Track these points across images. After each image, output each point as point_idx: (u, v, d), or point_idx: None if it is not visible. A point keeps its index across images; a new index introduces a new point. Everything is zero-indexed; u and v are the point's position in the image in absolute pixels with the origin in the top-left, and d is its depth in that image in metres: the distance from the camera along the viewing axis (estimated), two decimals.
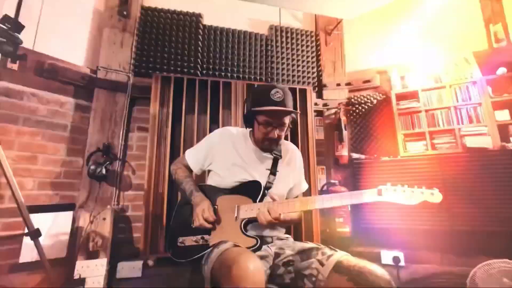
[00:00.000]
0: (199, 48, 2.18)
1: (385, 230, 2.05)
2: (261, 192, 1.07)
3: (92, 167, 1.69)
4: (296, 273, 0.96)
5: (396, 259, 1.96)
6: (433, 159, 1.98)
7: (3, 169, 1.06)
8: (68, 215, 1.68)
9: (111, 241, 1.66)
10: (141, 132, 2.00)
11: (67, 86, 1.77)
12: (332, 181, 2.22)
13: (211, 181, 1.21)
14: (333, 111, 2.39)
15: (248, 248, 0.94)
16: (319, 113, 2.43)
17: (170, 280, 1.73)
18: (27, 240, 1.48)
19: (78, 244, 1.56)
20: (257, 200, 1.05)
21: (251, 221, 1.04)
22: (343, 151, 2.25)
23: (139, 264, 1.70)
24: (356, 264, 0.87)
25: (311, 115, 2.21)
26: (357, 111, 2.37)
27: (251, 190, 1.09)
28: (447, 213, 1.89)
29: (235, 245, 0.89)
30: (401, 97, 2.20)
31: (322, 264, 0.92)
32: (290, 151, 1.24)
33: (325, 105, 2.41)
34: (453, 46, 2.20)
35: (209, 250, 0.99)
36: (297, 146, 2.10)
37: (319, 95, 2.45)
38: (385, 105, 2.27)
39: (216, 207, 1.10)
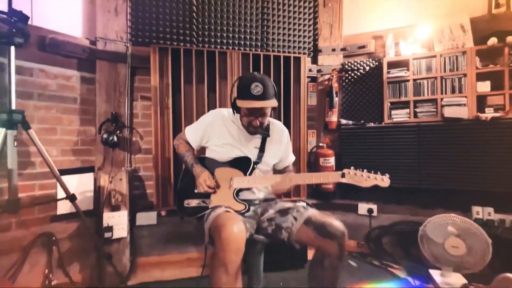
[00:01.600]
0: (194, 14, 2.16)
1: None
2: (251, 167, 1.30)
3: (105, 136, 1.91)
4: (276, 226, 1.26)
5: (370, 210, 2.33)
6: (413, 126, 2.16)
7: (39, 151, 1.29)
8: (90, 176, 1.97)
9: (128, 197, 1.98)
10: (144, 101, 2.15)
11: (70, 60, 1.86)
12: (321, 144, 2.45)
13: (209, 154, 1.44)
14: (326, 77, 2.47)
15: (238, 211, 1.21)
16: (313, 79, 2.52)
17: (180, 226, 2.12)
18: (61, 197, 1.81)
19: (103, 200, 1.88)
20: (247, 174, 1.29)
21: (242, 189, 1.30)
22: (333, 117, 2.42)
23: (154, 214, 2.06)
24: (321, 219, 1.16)
25: (304, 82, 2.31)
26: (349, 77, 2.45)
27: (242, 164, 1.33)
28: (417, 174, 2.16)
29: (227, 211, 1.16)
30: (392, 65, 2.26)
31: (296, 219, 1.22)
32: (277, 130, 1.42)
33: (319, 71, 2.47)
34: (452, 10, 2.16)
35: (208, 211, 1.27)
36: (290, 112, 2.29)
37: (314, 61, 2.50)
38: (376, 72, 2.34)
39: (215, 176, 1.36)
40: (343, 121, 2.42)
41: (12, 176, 1.17)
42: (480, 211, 1.99)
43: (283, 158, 1.46)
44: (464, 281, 1.69)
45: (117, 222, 1.86)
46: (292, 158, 1.52)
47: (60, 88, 1.81)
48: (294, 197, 2.35)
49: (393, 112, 2.26)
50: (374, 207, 2.33)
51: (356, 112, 2.45)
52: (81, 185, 1.92)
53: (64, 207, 1.83)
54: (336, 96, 2.41)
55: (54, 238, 1.71)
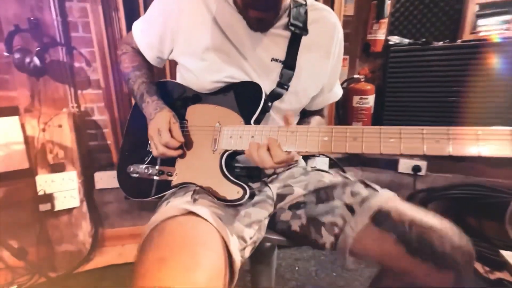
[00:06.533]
0: None
1: None
2: (261, 105, 0.61)
3: (18, 55, 1.17)
4: (309, 219, 0.64)
5: (416, 168, 1.72)
6: None
7: None
8: (13, 121, 1.31)
9: (78, 151, 1.36)
10: (84, 2, 1.34)
11: None
12: (356, 76, 1.69)
13: (180, 76, 0.74)
14: None
15: (229, 201, 0.57)
16: None
17: None
18: None
19: (33, 157, 1.26)
20: (252, 120, 0.61)
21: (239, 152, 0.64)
22: (379, 33, 1.60)
23: None
24: (415, 220, 0.52)
25: None
26: None
27: (243, 98, 0.63)
28: (504, 118, 1.46)
29: (191, 212, 0.49)
30: None
31: (352, 210, 0.59)
32: (325, 23, 0.68)
33: None
34: None
35: (169, 192, 0.64)
36: None
37: None
38: None
39: (185, 122, 0.68)
40: (395, 39, 1.60)
41: None
42: None
43: (325, 87, 0.75)
44: None
45: (60, 187, 1.29)
46: (340, 90, 0.82)
47: None
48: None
49: (480, 21, 1.44)
50: (422, 164, 1.71)
51: (414, 25, 1.62)
52: (0, 134, 1.28)
53: None
54: None
55: None
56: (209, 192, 0.58)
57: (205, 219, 0.48)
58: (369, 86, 1.66)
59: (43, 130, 1.28)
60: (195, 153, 0.64)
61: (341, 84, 1.72)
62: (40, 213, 1.28)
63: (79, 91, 1.44)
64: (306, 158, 1.75)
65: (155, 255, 0.40)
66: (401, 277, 0.55)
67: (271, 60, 0.64)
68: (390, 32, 1.67)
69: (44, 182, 1.25)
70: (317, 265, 1.36)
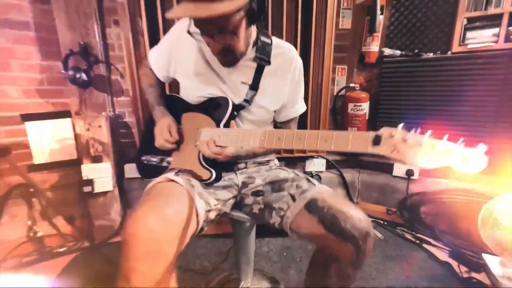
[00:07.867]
0: None
1: None
2: (228, 114, 0.85)
3: (71, 72, 1.54)
4: (265, 204, 0.86)
5: (409, 172, 1.81)
6: (500, 55, 1.42)
7: None
8: (67, 122, 1.69)
9: (112, 147, 1.71)
10: (119, 28, 1.68)
11: None
12: (352, 85, 1.83)
13: (181, 91, 1.01)
14: None
15: (203, 181, 0.82)
16: None
17: None
18: (35, 145, 1.59)
19: (80, 151, 1.63)
20: (222, 124, 0.85)
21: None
22: (373, 45, 1.73)
23: None
24: (332, 206, 0.72)
25: None
26: None
27: (217, 109, 0.87)
28: (491, 127, 1.51)
29: (171, 180, 0.76)
30: None
31: (294, 199, 0.80)
32: (283, 57, 0.90)
33: None
34: None
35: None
36: (310, 38, 1.65)
37: None
38: None
39: (181, 125, 0.94)
40: (388, 51, 1.72)
41: None
42: None
43: (287, 104, 0.96)
44: None
45: (99, 174, 1.64)
46: (301, 107, 1.00)
47: (3, 8, 1.40)
48: (311, 152, 1.90)
49: (469, 34, 1.50)
50: (415, 168, 1.79)
51: (408, 37, 1.72)
52: (57, 132, 1.67)
53: (41, 156, 1.63)
54: (382, 14, 1.67)
55: (32, 190, 1.56)
56: (191, 174, 0.83)
57: (180, 184, 0.74)
58: (363, 94, 1.79)
59: (88, 129, 1.64)
60: (184, 147, 0.90)
61: (338, 92, 1.89)
62: (83, 194, 1.64)
63: (114, 98, 1.79)
64: (305, 158, 1.95)
65: (146, 199, 0.69)
66: (325, 251, 0.75)
67: (241, 83, 0.88)
68: (386, 44, 1.79)
69: (87, 170, 1.61)
70: (303, 253, 1.54)
